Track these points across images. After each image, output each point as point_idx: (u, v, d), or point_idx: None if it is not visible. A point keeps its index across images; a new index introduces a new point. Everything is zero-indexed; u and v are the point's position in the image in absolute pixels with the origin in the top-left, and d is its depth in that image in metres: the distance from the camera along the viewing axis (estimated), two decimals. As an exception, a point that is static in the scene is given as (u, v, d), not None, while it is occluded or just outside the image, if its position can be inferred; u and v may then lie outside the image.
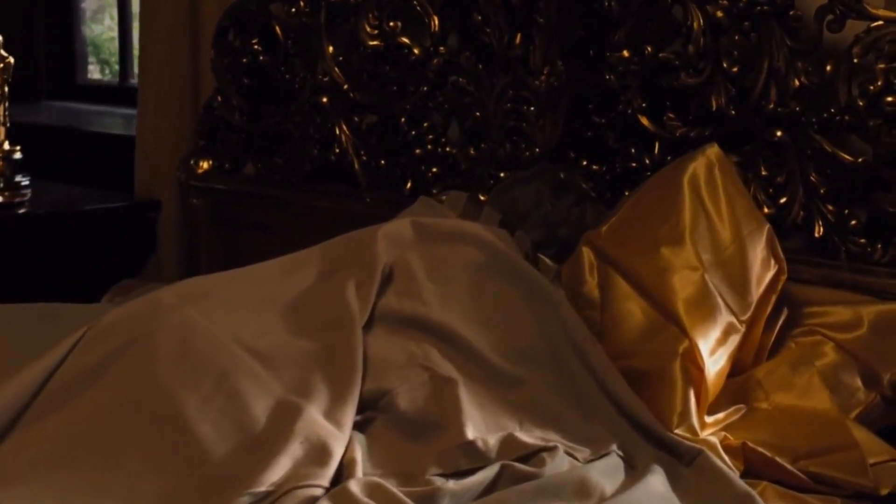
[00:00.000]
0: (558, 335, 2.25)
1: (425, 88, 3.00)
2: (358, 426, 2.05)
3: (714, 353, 2.21)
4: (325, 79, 3.13)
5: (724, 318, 2.24)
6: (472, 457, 1.95)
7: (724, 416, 2.23)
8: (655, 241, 2.30)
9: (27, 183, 3.66)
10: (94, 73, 4.72)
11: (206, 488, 1.84)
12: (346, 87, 3.10)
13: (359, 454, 1.96)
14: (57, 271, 3.38)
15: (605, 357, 2.21)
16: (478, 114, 2.92)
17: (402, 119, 3.05)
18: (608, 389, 2.18)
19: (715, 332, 2.22)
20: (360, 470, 1.92)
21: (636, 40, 2.66)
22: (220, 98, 3.34)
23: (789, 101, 2.49)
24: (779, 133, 2.52)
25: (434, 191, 2.99)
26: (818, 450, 2.15)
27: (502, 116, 2.86)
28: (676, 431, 2.12)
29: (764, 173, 2.55)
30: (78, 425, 1.99)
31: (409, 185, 3.06)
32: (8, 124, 3.66)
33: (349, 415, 2.02)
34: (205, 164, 3.41)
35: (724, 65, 2.57)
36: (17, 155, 3.66)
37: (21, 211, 3.46)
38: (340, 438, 1.95)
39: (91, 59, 4.72)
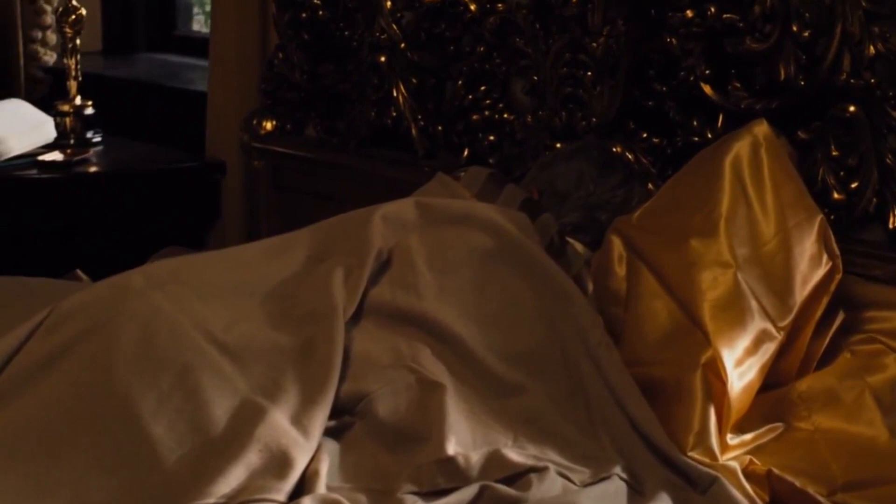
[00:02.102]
0: (570, 335, 2.01)
1: (482, 49, 2.76)
2: (333, 432, 1.86)
3: (741, 364, 1.93)
4: (383, 36, 2.91)
5: (757, 323, 1.95)
6: (451, 475, 1.75)
7: (753, 437, 1.95)
8: (685, 232, 2.02)
9: (98, 139, 3.53)
10: (201, 25, 4.56)
11: (154, 497, 1.70)
12: (402, 45, 2.87)
13: (325, 466, 1.78)
14: (116, 233, 3.24)
15: (620, 364, 1.96)
16: (535, 78, 2.65)
17: (459, 82, 2.80)
18: (620, 400, 1.93)
19: (744, 341, 1.93)
20: (322, 484, 1.74)
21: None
22: (280, 55, 3.14)
23: (863, 71, 2.19)
24: (851, 108, 2.21)
25: (490, 160, 2.75)
26: (860, 482, 1.87)
27: (558, 82, 2.59)
28: (691, 454, 1.85)
29: (834, 153, 2.24)
30: (29, 417, 1.84)
31: (465, 153, 2.82)
32: (80, 78, 3.53)
33: (318, 420, 1.82)
34: (268, 125, 3.22)
35: (794, 28, 2.26)
36: (89, 110, 3.54)
37: (82, 169, 3.31)
38: (305, 447, 1.77)
39: (197, 10, 4.57)
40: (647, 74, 2.49)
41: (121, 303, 1.96)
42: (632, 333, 2.01)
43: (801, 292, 2.00)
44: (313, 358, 1.90)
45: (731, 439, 1.92)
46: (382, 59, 2.92)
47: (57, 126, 3.49)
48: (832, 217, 2.24)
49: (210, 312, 1.96)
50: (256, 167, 3.24)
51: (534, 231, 2.16)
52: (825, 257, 2.03)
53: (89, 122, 3.54)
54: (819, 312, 2.02)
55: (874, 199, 2.20)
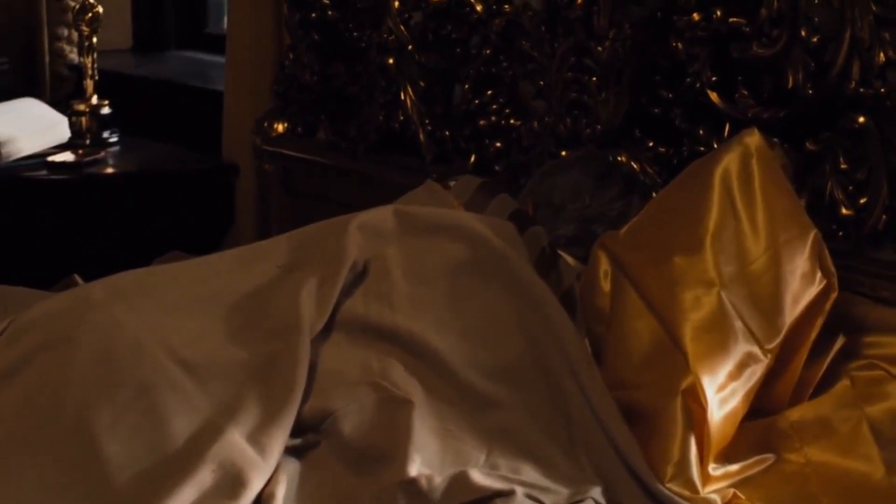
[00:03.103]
0: (551, 352, 1.91)
1: (488, 52, 2.65)
2: (298, 450, 1.79)
3: (723, 389, 1.81)
4: (391, 38, 2.82)
5: (742, 346, 1.83)
6: (413, 498, 1.67)
7: (739, 469, 1.83)
8: (671, 249, 1.90)
9: (115, 140, 3.47)
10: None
11: None
12: (410, 47, 2.77)
13: (282, 489, 1.71)
14: (126, 237, 3.17)
15: (602, 383, 1.86)
16: (542, 83, 2.54)
17: (466, 85, 2.70)
18: (602, 422, 1.83)
19: (727, 365, 1.81)
20: None
21: (708, 2, 2.24)
22: (291, 55, 3.06)
23: (873, 79, 2.05)
24: (861, 119, 2.08)
25: (497, 167, 2.65)
26: (850, 523, 1.74)
27: (563, 87, 2.48)
28: (670, 486, 1.74)
29: (843, 166, 2.11)
30: (-18, 432, 1.79)
31: (472, 159, 2.71)
32: (97, 77, 3.48)
33: (277, 439, 1.74)
34: (279, 127, 3.14)
35: (803, 34, 2.14)
36: (106, 109, 3.48)
37: (92, 170, 3.25)
38: (261, 467, 1.69)
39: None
40: (654, 81, 2.37)
41: (80, 316, 1.91)
42: (613, 354, 1.90)
43: (792, 312, 1.87)
44: (275, 375, 1.82)
45: (715, 469, 1.80)
46: (390, 60, 2.83)
47: (73, 125, 3.44)
48: (840, 234, 2.12)
49: (174, 326, 1.90)
50: (268, 171, 3.16)
51: (520, 242, 2.06)
52: (819, 275, 1.90)
53: (106, 122, 3.48)
54: (813, 334, 1.90)
55: (883, 216, 2.07)
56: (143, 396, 1.76)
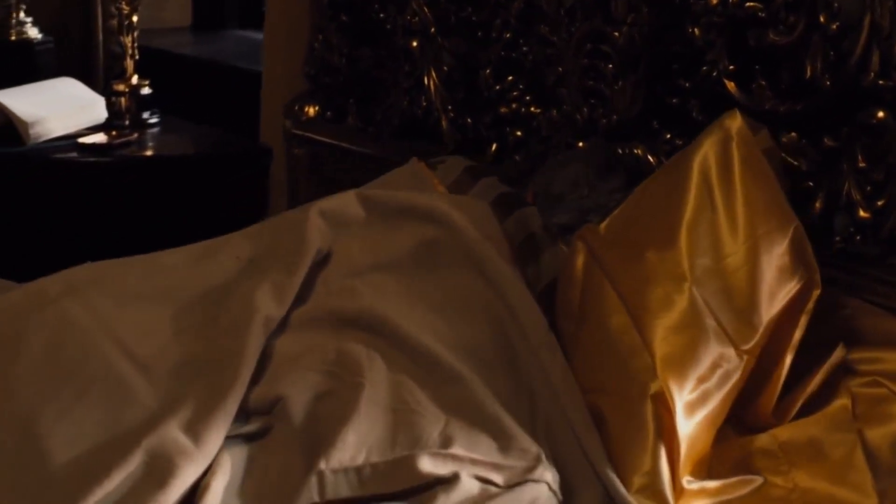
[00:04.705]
0: (515, 334, 1.83)
1: (508, 36, 2.52)
2: (250, 437, 1.72)
3: (693, 392, 1.66)
4: (415, 20, 2.70)
5: (714, 347, 1.69)
6: (354, 484, 1.61)
7: (719, 487, 1.70)
8: (644, 243, 1.76)
9: (155, 120, 3.41)
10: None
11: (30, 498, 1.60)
12: (433, 30, 2.65)
13: (220, 480, 1.64)
14: (155, 221, 3.11)
15: (564, 366, 1.77)
16: (560, 69, 2.41)
17: (487, 70, 2.57)
18: (563, 407, 1.75)
19: (697, 367, 1.68)
20: (212, 499, 1.59)
21: (727, -15, 2.09)
22: (320, 37, 2.96)
23: (892, 71, 1.89)
24: (880, 113, 1.92)
25: (517, 157, 2.53)
26: (835, 555, 1.59)
27: (580, 73, 2.34)
28: (636, 496, 1.63)
29: (861, 165, 1.95)
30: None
31: (493, 147, 2.59)
32: (137, 56, 3.42)
33: (214, 427, 1.67)
34: (310, 111, 3.04)
35: (821, 20, 1.97)
36: (146, 90, 3.42)
37: (124, 152, 3.19)
38: (195, 456, 1.63)
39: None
40: (671, 69, 2.22)
41: (32, 311, 1.86)
42: (584, 355, 1.77)
43: (769, 310, 1.71)
44: (221, 368, 1.76)
45: (690, 483, 1.66)
46: (414, 43, 2.72)
47: (112, 106, 3.39)
48: (857, 238, 1.96)
49: (126, 321, 1.85)
50: (297, 155, 3.06)
51: (493, 221, 2.00)
52: (799, 270, 1.74)
53: (146, 102, 3.42)
54: (796, 336, 1.73)
55: (901, 220, 1.91)
56: (89, 392, 1.72)
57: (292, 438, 1.69)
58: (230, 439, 1.69)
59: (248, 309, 1.82)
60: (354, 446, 1.63)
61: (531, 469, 1.64)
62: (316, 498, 1.59)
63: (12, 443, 1.67)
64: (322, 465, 1.62)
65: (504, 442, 1.68)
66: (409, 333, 1.81)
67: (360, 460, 1.62)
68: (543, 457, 1.66)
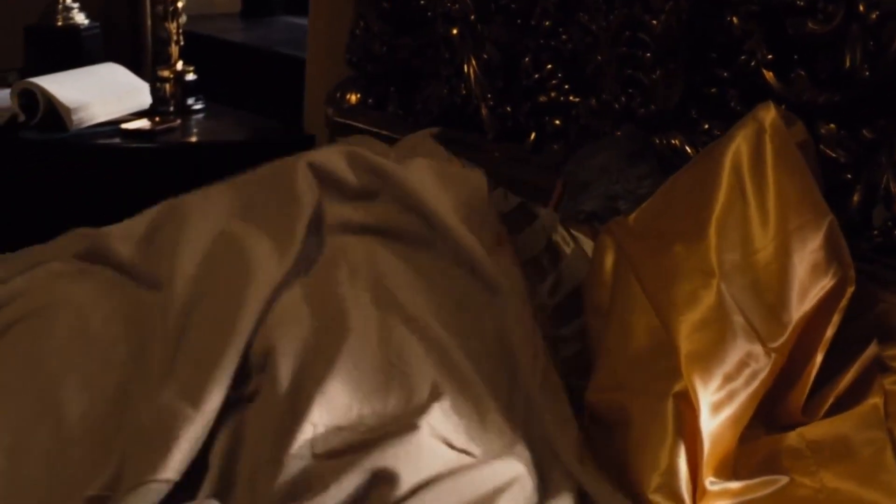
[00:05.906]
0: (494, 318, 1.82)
1: (548, 24, 2.49)
2: (249, 398, 1.69)
3: (719, 391, 1.63)
4: (455, 6, 2.67)
5: (741, 344, 1.64)
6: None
7: (742, 487, 1.65)
8: (672, 236, 1.73)
9: (200, 107, 3.42)
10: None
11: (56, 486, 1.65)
12: (473, 17, 2.63)
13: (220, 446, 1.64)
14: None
15: (548, 368, 1.73)
16: (599, 58, 2.38)
17: (527, 59, 2.54)
18: (538, 406, 1.71)
19: (724, 365, 1.63)
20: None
21: (768, -29, 2.06)
22: (361, 23, 2.94)
23: (931, 60, 1.84)
24: (919, 105, 1.87)
25: (555, 146, 2.50)
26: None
27: (617, 62, 2.31)
28: (652, 497, 1.59)
29: (899, 158, 1.91)
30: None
31: (532, 137, 2.56)
32: (182, 42, 3.42)
33: (211, 387, 1.64)
34: (352, 98, 3.02)
35: (861, 8, 1.93)
36: (190, 76, 3.42)
37: (167, 139, 3.20)
38: (193, 418, 1.62)
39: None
40: (709, 58, 2.19)
41: (57, 289, 1.91)
42: (609, 351, 1.74)
43: (800, 307, 1.67)
44: (220, 329, 1.74)
45: (713, 485, 1.62)
46: (454, 31, 2.69)
47: (156, 92, 3.40)
48: (895, 232, 1.92)
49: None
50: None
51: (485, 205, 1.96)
52: (833, 266, 1.70)
53: (191, 88, 3.42)
54: (828, 334, 1.69)
55: (939, 216, 1.87)
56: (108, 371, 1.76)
57: (277, 401, 1.65)
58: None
59: (248, 265, 1.81)
60: (346, 396, 1.62)
61: (511, 445, 1.63)
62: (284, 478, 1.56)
63: (36, 404, 1.71)
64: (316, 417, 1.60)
65: (492, 413, 1.67)
66: (406, 303, 1.78)
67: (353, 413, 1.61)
68: (515, 441, 1.64)
